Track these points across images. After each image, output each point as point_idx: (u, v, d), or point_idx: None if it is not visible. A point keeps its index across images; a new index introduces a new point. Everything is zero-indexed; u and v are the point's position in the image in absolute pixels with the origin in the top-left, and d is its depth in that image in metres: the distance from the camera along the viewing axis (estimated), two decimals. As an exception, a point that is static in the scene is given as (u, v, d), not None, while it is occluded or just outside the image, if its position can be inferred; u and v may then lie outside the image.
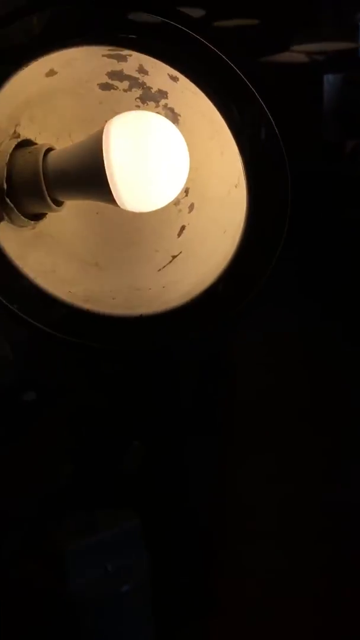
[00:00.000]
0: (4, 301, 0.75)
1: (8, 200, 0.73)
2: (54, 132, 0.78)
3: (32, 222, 0.77)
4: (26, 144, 0.75)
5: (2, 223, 0.74)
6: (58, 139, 0.77)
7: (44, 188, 0.72)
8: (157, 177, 0.69)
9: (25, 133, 0.76)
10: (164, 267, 0.78)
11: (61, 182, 0.73)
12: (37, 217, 0.78)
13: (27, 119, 0.76)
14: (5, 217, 0.74)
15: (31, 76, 0.71)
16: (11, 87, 0.69)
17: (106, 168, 0.68)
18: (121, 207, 0.70)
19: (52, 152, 0.73)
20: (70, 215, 0.79)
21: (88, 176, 0.71)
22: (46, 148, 0.73)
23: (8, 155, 0.73)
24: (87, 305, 0.76)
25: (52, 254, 0.78)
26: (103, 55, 0.71)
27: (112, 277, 0.79)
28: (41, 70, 0.72)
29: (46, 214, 0.78)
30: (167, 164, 0.69)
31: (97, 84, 0.75)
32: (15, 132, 0.75)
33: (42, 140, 0.77)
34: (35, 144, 0.75)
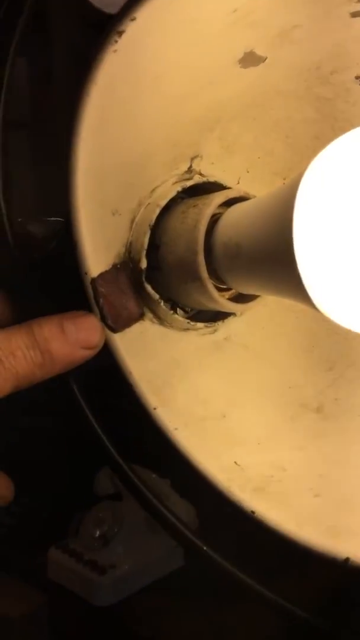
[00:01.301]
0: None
1: (149, 288, 0.42)
2: (247, 166, 0.44)
3: (199, 324, 0.44)
4: (198, 190, 0.43)
5: (141, 324, 0.43)
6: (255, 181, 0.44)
7: (202, 271, 0.39)
8: None
9: (205, 168, 0.44)
10: None
11: (234, 263, 0.39)
12: (205, 316, 0.45)
13: (216, 141, 0.44)
14: (148, 313, 0.43)
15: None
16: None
17: (295, 244, 0.32)
18: (323, 313, 0.34)
19: (228, 212, 0.40)
20: (262, 318, 0.44)
21: (270, 256, 0.36)
22: (221, 202, 0.40)
23: (158, 210, 0.42)
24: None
25: (228, 386, 0.45)
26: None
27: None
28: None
29: (223, 314, 0.45)
30: None
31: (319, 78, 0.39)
32: (190, 168, 0.44)
33: (229, 181, 0.44)
34: (213, 190, 0.43)
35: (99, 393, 0.49)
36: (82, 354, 0.39)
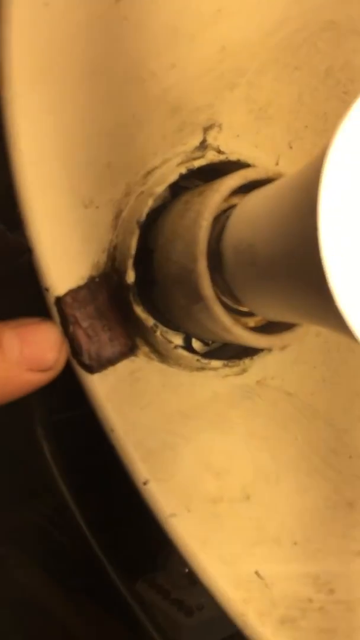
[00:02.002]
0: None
1: (139, 310, 0.29)
2: (289, 138, 0.31)
3: (215, 362, 0.31)
4: (214, 174, 0.30)
5: (132, 361, 0.30)
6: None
7: (204, 285, 0.26)
8: None
9: (226, 143, 0.31)
10: None
11: (248, 275, 0.26)
12: (231, 351, 0.32)
13: (240, 103, 0.31)
14: (143, 346, 0.31)
15: None
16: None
17: (323, 247, 0.19)
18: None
19: (243, 202, 0.27)
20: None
21: (291, 264, 0.22)
22: (236, 185, 0.27)
23: (151, 201, 0.29)
24: None
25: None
26: None
27: None
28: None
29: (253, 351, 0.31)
30: None
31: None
32: (204, 142, 0.31)
33: (263, 161, 0.31)
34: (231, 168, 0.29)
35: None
36: (30, 379, 0.27)
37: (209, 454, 0.30)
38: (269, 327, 0.29)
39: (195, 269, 0.26)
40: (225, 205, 0.29)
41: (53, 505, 0.47)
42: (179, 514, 0.29)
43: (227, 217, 0.27)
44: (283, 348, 0.33)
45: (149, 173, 0.30)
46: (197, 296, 0.27)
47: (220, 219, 0.28)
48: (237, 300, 0.28)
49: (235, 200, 0.28)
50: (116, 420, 0.30)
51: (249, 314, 0.29)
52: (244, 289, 0.26)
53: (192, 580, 0.59)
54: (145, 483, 0.29)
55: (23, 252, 0.32)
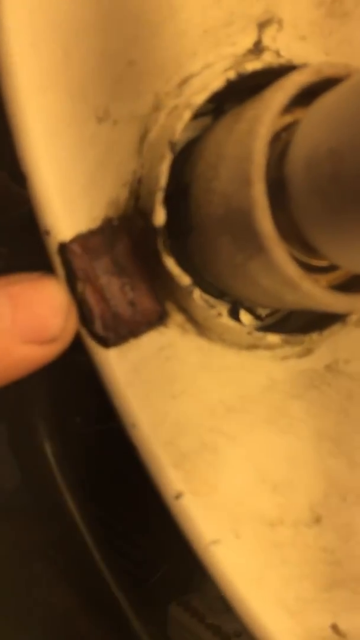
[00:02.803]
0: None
1: (172, 265, 0.22)
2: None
3: (272, 336, 0.23)
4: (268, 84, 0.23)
5: (160, 333, 0.23)
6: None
7: (261, 219, 0.19)
8: None
9: (287, 45, 0.23)
10: None
11: (328, 196, 0.18)
12: (292, 324, 0.24)
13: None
14: (175, 313, 0.23)
15: None
16: None
17: None
18: None
19: (314, 106, 0.19)
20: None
21: None
22: (304, 83, 0.20)
23: (188, 114, 0.22)
24: None
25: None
26: None
27: None
28: None
29: (324, 319, 0.23)
30: None
31: None
32: (259, 42, 0.23)
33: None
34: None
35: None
36: (28, 354, 0.20)
37: (263, 460, 0.23)
38: (348, 288, 0.21)
39: (250, 194, 0.19)
40: (289, 119, 0.21)
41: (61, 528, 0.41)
42: (223, 540, 0.21)
43: (293, 133, 0.20)
44: (360, 320, 0.25)
45: (184, 82, 0.22)
46: (250, 237, 0.19)
47: (282, 138, 0.21)
48: (307, 248, 0.20)
49: (300, 113, 0.21)
50: (140, 412, 0.22)
51: (322, 270, 0.21)
52: (320, 223, 0.18)
53: (228, 606, 0.54)
54: (177, 497, 0.21)
55: (25, 203, 0.24)
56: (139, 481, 0.24)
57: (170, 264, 0.22)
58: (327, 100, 0.19)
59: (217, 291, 0.25)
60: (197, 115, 0.23)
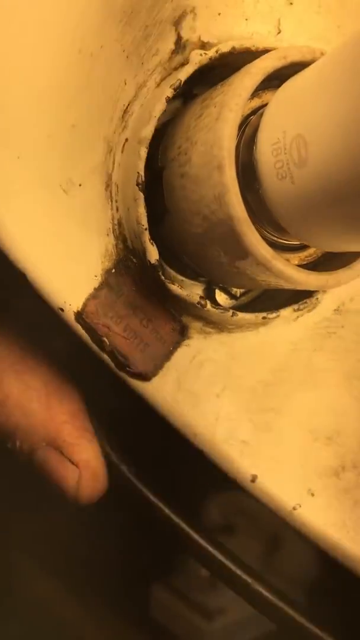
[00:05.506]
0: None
1: (177, 290, 0.23)
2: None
3: (282, 311, 0.25)
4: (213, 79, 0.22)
5: (187, 345, 0.24)
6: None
7: (233, 202, 0.20)
8: None
9: (204, 30, 0.23)
10: None
11: (294, 181, 0.19)
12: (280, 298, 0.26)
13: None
14: (192, 321, 0.24)
15: None
16: None
17: None
18: None
19: (279, 91, 0.19)
20: None
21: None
22: (271, 69, 0.20)
23: (143, 149, 0.22)
24: None
25: None
26: None
27: None
28: None
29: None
30: None
31: None
32: (179, 40, 0.23)
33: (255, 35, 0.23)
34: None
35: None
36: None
37: (310, 418, 0.25)
38: (319, 266, 0.23)
39: (221, 180, 0.19)
40: (257, 102, 0.21)
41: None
42: (303, 502, 0.24)
43: (260, 116, 0.20)
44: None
45: (125, 112, 0.22)
46: (222, 220, 0.20)
47: (250, 121, 0.21)
48: (278, 228, 0.21)
49: (267, 97, 0.21)
50: (195, 422, 0.24)
51: (293, 249, 0.22)
52: (288, 206, 0.19)
53: (213, 582, 0.56)
54: (253, 480, 0.24)
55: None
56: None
57: (175, 289, 0.23)
58: (292, 86, 0.19)
59: (192, 271, 0.26)
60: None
